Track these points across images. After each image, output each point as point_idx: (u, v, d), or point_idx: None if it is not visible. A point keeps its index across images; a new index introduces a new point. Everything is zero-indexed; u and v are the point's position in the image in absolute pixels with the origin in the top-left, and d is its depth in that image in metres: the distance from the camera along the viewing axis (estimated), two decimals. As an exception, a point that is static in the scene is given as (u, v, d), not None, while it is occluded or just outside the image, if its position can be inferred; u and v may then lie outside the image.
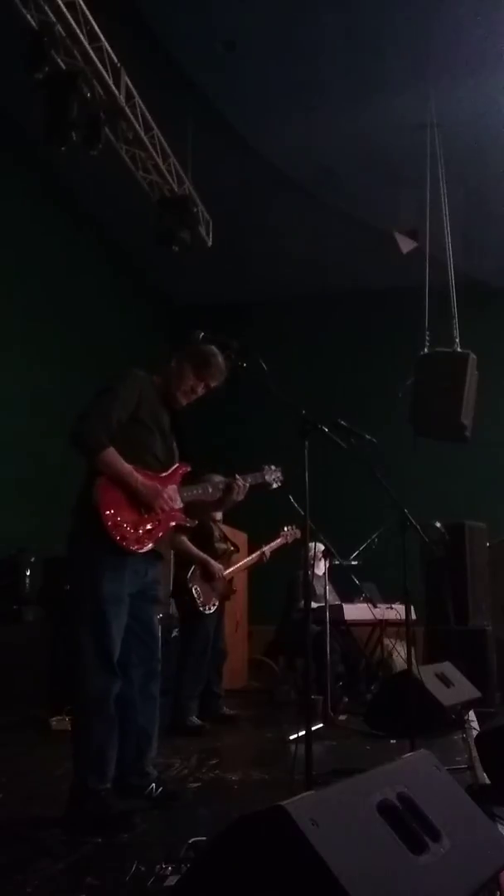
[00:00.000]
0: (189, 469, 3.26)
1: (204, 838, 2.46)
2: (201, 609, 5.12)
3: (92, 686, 2.91)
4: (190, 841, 2.48)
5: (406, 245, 7.73)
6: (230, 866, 1.59)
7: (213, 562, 5.21)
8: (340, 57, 6.38)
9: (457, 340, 6.74)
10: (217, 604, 5.27)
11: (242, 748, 4.73)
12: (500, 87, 6.58)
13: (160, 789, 3.15)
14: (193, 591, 5.12)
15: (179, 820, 2.98)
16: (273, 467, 3.52)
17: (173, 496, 3.11)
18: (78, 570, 3.02)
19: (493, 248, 8.71)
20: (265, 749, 4.66)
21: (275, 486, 3.52)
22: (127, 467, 2.97)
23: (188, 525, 3.26)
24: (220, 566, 5.24)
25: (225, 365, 3.28)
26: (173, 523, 3.16)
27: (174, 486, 3.14)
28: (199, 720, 5.07)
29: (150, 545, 3.04)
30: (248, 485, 3.35)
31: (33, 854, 2.51)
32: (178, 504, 3.15)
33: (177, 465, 3.23)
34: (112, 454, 2.95)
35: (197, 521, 3.28)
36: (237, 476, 3.31)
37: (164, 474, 3.14)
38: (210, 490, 3.28)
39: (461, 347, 6.69)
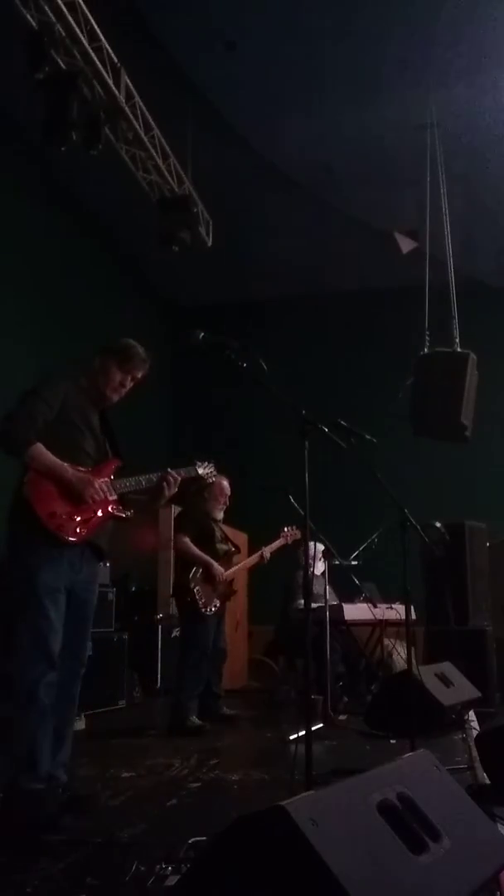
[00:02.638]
0: (120, 464, 3.28)
1: (204, 838, 2.46)
2: (203, 610, 5.12)
3: (26, 676, 2.89)
4: (190, 841, 2.48)
5: (406, 245, 7.74)
6: (230, 866, 1.59)
7: (215, 564, 5.22)
8: (340, 57, 6.38)
9: (457, 340, 6.74)
10: (218, 605, 5.27)
11: (242, 748, 4.73)
12: (500, 87, 6.59)
13: (67, 794, 3.02)
14: (195, 592, 5.12)
15: (179, 820, 2.98)
16: (205, 463, 3.61)
17: (105, 487, 3.14)
18: (15, 564, 3.02)
19: (493, 248, 8.71)
20: (265, 749, 4.66)
21: (211, 480, 3.68)
22: (56, 460, 3.01)
23: (125, 516, 3.25)
24: (222, 569, 5.24)
25: (146, 354, 3.32)
26: (106, 512, 3.15)
27: (105, 480, 3.17)
28: (199, 720, 5.07)
29: (86, 535, 3.06)
30: (179, 478, 3.37)
31: (33, 854, 2.51)
32: (112, 495, 3.17)
33: (108, 461, 3.26)
34: (40, 448, 2.98)
35: (132, 513, 3.26)
36: (168, 469, 3.34)
37: (95, 469, 3.16)
38: (143, 482, 3.29)
39: (461, 347, 6.69)
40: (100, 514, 3.13)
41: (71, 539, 3.00)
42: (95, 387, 3.28)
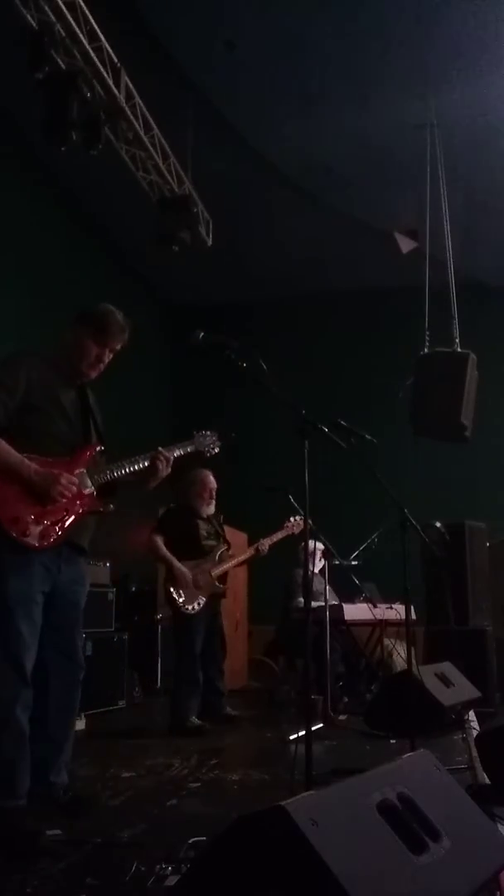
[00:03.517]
0: (100, 448, 2.97)
1: (204, 838, 2.46)
2: (184, 609, 5.08)
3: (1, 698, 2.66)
4: (190, 841, 2.48)
5: (406, 245, 7.74)
6: (230, 866, 1.59)
7: (177, 564, 5.12)
8: (340, 57, 6.38)
9: (457, 340, 6.74)
10: (203, 601, 5.16)
11: (242, 748, 4.73)
12: (500, 87, 6.59)
13: (69, 794, 2.93)
14: (173, 593, 5.08)
15: (179, 820, 2.98)
16: (207, 432, 3.29)
17: (74, 481, 2.80)
18: None
19: (493, 249, 8.71)
20: (265, 749, 4.65)
21: (214, 450, 3.26)
22: (16, 457, 2.70)
23: (103, 511, 2.95)
24: (183, 569, 5.13)
25: (125, 321, 2.96)
26: (80, 510, 2.85)
27: (81, 471, 2.85)
28: (199, 720, 5.06)
29: (59, 537, 2.77)
30: (172, 456, 3.07)
31: (33, 854, 2.51)
32: (87, 488, 2.86)
33: (84, 447, 2.93)
34: None
35: (113, 507, 2.95)
36: (159, 448, 3.03)
37: (67, 459, 2.85)
38: (127, 468, 2.96)
39: (461, 347, 6.69)
40: (75, 510, 2.83)
41: (40, 544, 2.72)
42: (69, 363, 2.96)
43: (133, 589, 7.78)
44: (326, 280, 9.84)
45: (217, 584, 5.32)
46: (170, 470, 3.06)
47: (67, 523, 2.81)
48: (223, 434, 3.29)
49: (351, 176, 7.83)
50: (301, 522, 5.57)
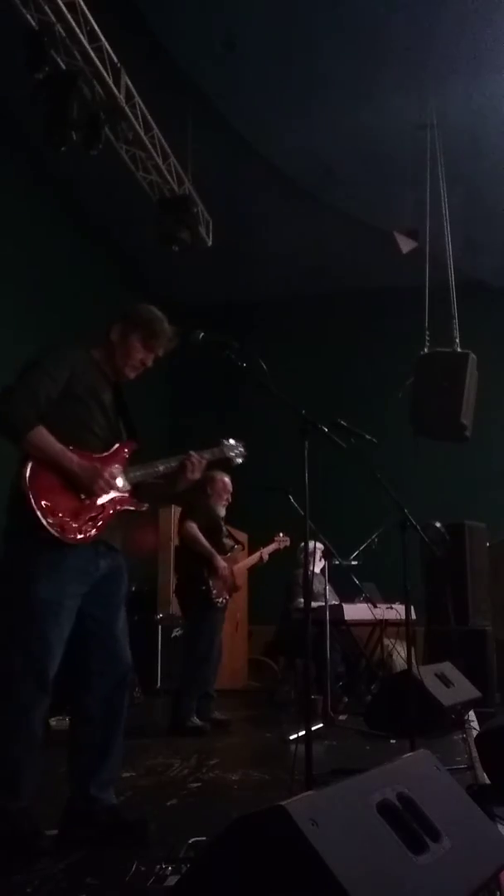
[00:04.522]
0: (136, 447, 2.89)
1: (204, 838, 2.46)
2: (215, 601, 5.10)
3: (12, 706, 2.52)
4: (190, 841, 2.48)
5: (406, 245, 7.73)
6: (230, 866, 1.59)
7: (218, 557, 5.19)
8: (340, 57, 6.38)
9: (457, 340, 6.74)
10: (228, 598, 5.26)
11: (242, 748, 4.73)
12: (500, 87, 6.59)
13: (114, 817, 2.67)
14: (210, 584, 5.10)
15: (179, 820, 2.98)
16: (233, 441, 3.20)
17: (116, 476, 2.73)
18: (9, 569, 2.62)
19: (493, 248, 8.71)
20: (265, 749, 4.66)
21: (238, 461, 3.17)
22: (59, 447, 2.60)
23: (140, 510, 2.87)
24: (225, 563, 5.22)
25: (172, 329, 2.91)
26: (118, 507, 2.76)
27: (118, 467, 2.77)
28: (201, 721, 5.06)
29: (95, 533, 2.66)
30: (204, 461, 2.98)
31: (33, 854, 2.51)
32: (125, 486, 2.77)
33: (121, 444, 2.85)
34: (41, 434, 2.57)
35: (148, 506, 2.88)
36: (191, 452, 2.94)
37: (105, 454, 2.76)
38: (160, 468, 2.89)
39: (461, 347, 6.69)
40: (112, 508, 2.73)
41: (76, 539, 2.60)
42: (111, 361, 2.88)
43: (133, 589, 7.77)
44: (326, 280, 9.84)
45: (234, 582, 5.42)
46: (199, 474, 2.98)
47: (105, 520, 2.71)
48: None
49: (351, 176, 7.84)
50: (287, 539, 5.62)
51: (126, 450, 2.85)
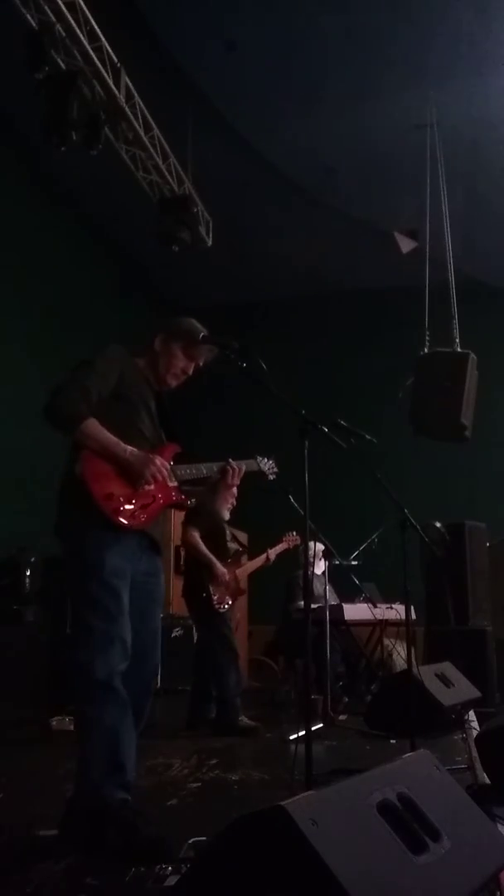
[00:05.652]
0: (179, 450, 2.99)
1: (204, 838, 2.46)
2: (217, 608, 5.14)
3: (100, 669, 2.57)
4: (190, 841, 2.48)
5: (406, 245, 7.73)
6: (230, 866, 1.59)
7: (218, 564, 5.20)
8: (340, 57, 6.38)
9: (457, 340, 6.74)
10: (231, 603, 5.28)
11: (242, 748, 4.72)
12: (500, 87, 6.59)
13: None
14: (210, 590, 5.13)
15: (179, 820, 2.98)
16: (265, 459, 3.31)
17: (167, 465, 2.83)
18: (76, 550, 2.71)
19: (493, 248, 8.71)
20: (265, 749, 4.65)
21: (271, 477, 3.30)
22: (112, 437, 2.70)
23: (188, 504, 3.00)
24: (224, 570, 5.23)
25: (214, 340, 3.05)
26: (167, 499, 2.85)
27: (165, 461, 2.85)
28: (250, 721, 5.07)
29: (145, 521, 2.76)
30: (243, 470, 3.11)
31: (33, 854, 2.51)
32: (172, 481, 2.87)
33: (167, 444, 2.96)
34: (94, 424, 2.68)
35: (195, 500, 3.02)
36: (230, 460, 3.08)
37: (154, 451, 2.85)
38: (205, 471, 3.01)
39: (461, 347, 6.69)
40: (160, 499, 2.82)
41: (128, 523, 2.69)
42: (154, 369, 3.01)
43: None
44: (326, 280, 9.84)
45: (239, 585, 5.44)
46: (238, 481, 3.11)
47: (155, 509, 2.80)
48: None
49: (351, 176, 7.84)
50: (298, 537, 5.63)
51: (171, 450, 2.94)
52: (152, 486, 2.77)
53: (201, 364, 3.09)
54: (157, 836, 2.45)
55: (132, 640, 2.71)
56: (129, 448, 2.73)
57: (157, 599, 2.93)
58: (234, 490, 5.45)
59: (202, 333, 3.02)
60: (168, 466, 2.83)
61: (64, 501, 2.76)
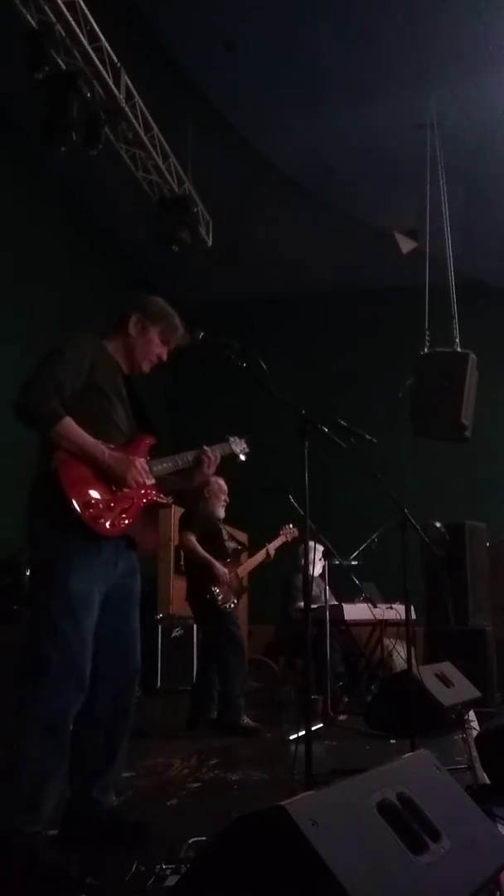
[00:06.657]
0: (154, 441, 2.83)
1: (204, 838, 2.45)
2: (223, 607, 5.13)
3: (49, 707, 2.40)
4: (190, 841, 2.48)
5: (406, 245, 7.74)
6: (230, 866, 1.59)
7: (217, 564, 5.20)
8: (341, 57, 6.38)
9: (457, 340, 6.74)
10: (236, 601, 5.27)
11: (242, 748, 4.72)
12: (500, 87, 6.59)
13: (114, 818, 2.62)
14: (214, 591, 5.13)
15: (179, 820, 2.97)
16: (237, 438, 3.16)
17: (147, 468, 2.68)
18: (43, 566, 2.53)
19: (493, 248, 8.72)
20: (265, 749, 4.65)
21: (242, 457, 3.14)
22: (90, 438, 2.53)
23: (165, 503, 2.82)
24: (224, 570, 5.24)
25: (182, 325, 2.90)
26: (146, 499, 2.71)
27: (143, 459, 2.71)
28: (252, 722, 5.06)
29: (127, 526, 2.61)
30: (217, 456, 2.96)
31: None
32: (150, 479, 2.71)
33: (141, 437, 2.79)
34: (70, 424, 2.49)
35: (171, 500, 2.86)
36: (205, 447, 2.93)
37: (129, 446, 2.71)
38: (180, 463, 2.86)
39: (461, 347, 6.69)
40: (139, 500, 2.67)
41: (112, 532, 2.55)
42: (128, 354, 2.83)
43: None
44: (326, 280, 9.84)
45: (241, 584, 5.43)
46: (214, 469, 2.96)
47: (135, 512, 2.65)
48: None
49: (351, 176, 7.84)
50: (294, 530, 5.62)
51: (147, 442, 2.79)
52: (134, 489, 2.64)
53: (172, 349, 2.93)
54: (57, 864, 2.30)
55: (117, 638, 2.64)
56: (109, 451, 2.57)
57: (136, 599, 2.78)
58: (224, 487, 5.47)
59: (178, 319, 2.90)
60: (147, 467, 2.70)
61: (36, 507, 2.58)
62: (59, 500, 2.45)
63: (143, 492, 2.69)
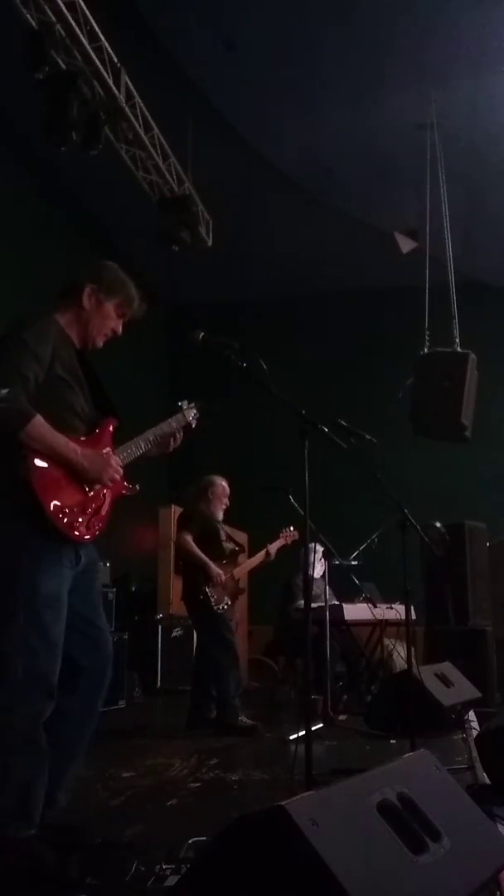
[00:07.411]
0: (117, 423, 2.69)
1: (204, 838, 2.46)
2: (216, 608, 5.13)
3: (22, 715, 2.33)
4: (190, 841, 2.48)
5: (406, 245, 7.74)
6: (230, 866, 1.59)
7: (212, 565, 5.19)
8: (340, 57, 6.38)
9: (457, 340, 6.74)
10: (230, 603, 5.28)
11: (242, 748, 4.72)
12: (500, 87, 6.59)
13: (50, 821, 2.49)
14: (207, 592, 5.14)
15: (179, 820, 2.98)
16: (186, 402, 3.01)
17: (121, 464, 2.58)
18: (8, 571, 2.39)
19: (493, 248, 8.71)
20: (265, 749, 4.65)
21: (193, 424, 3.00)
22: (61, 439, 2.40)
23: (133, 493, 2.71)
24: (219, 570, 5.23)
25: (139, 294, 2.76)
26: (117, 494, 2.63)
27: (109, 450, 2.59)
28: (249, 721, 5.07)
29: (100, 528, 2.53)
30: (180, 427, 2.87)
31: (32, 856, 2.50)
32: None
33: (104, 422, 2.65)
34: (41, 424, 2.33)
35: (137, 488, 2.72)
36: (161, 424, 2.86)
37: (93, 437, 2.58)
38: (143, 445, 2.76)
39: (461, 347, 6.68)
40: (109, 495, 2.57)
41: (89, 536, 2.48)
42: (82, 328, 2.64)
43: (133, 589, 7.78)
44: (326, 280, 9.84)
45: (237, 585, 5.43)
46: (178, 443, 2.90)
47: (106, 510, 2.56)
48: (205, 408, 3.06)
49: (351, 176, 7.84)
50: (294, 532, 5.62)
51: (110, 428, 2.66)
52: (109, 486, 2.55)
53: (127, 321, 2.76)
54: (60, 861, 2.29)
55: (85, 632, 2.58)
56: (81, 450, 2.45)
57: (97, 587, 2.75)
58: (227, 491, 5.47)
59: (133, 290, 2.76)
60: (119, 461, 2.58)
61: (4, 514, 2.41)
62: (30, 503, 2.34)
63: (113, 488, 2.60)
